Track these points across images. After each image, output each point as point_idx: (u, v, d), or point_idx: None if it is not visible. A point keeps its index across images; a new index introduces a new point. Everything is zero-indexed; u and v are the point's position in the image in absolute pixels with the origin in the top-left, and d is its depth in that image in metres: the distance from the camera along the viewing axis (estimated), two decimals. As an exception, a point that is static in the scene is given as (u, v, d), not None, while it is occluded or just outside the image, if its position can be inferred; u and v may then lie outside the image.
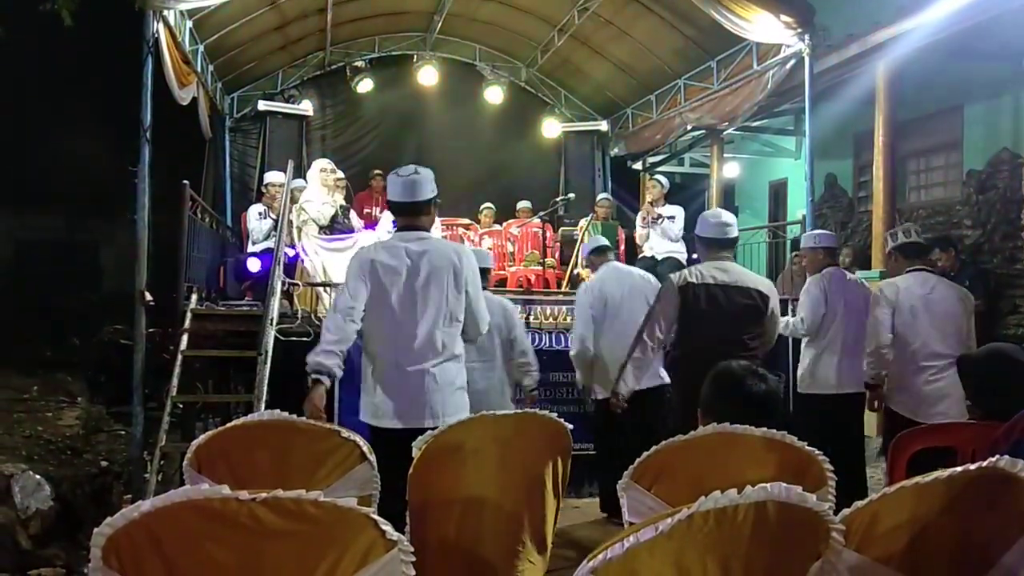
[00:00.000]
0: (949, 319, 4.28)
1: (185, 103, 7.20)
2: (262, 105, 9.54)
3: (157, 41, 5.90)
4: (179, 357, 5.39)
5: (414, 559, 1.54)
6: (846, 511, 1.57)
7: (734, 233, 3.90)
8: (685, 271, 3.93)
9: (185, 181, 5.88)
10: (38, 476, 4.77)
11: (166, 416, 5.21)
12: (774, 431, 2.16)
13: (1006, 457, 1.62)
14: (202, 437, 2.28)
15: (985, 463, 1.61)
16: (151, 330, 6.26)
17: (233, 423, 2.32)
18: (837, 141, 9.49)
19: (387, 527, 1.49)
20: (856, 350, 4.57)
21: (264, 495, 1.40)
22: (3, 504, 4.53)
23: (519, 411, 2.59)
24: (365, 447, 2.38)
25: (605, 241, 5.55)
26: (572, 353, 4.98)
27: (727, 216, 3.94)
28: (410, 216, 3.34)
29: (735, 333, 3.69)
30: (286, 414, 2.36)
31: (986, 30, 6.19)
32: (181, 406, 5.95)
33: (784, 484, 1.39)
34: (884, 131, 7.07)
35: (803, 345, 5.01)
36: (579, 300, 5.01)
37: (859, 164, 9.59)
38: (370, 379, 3.24)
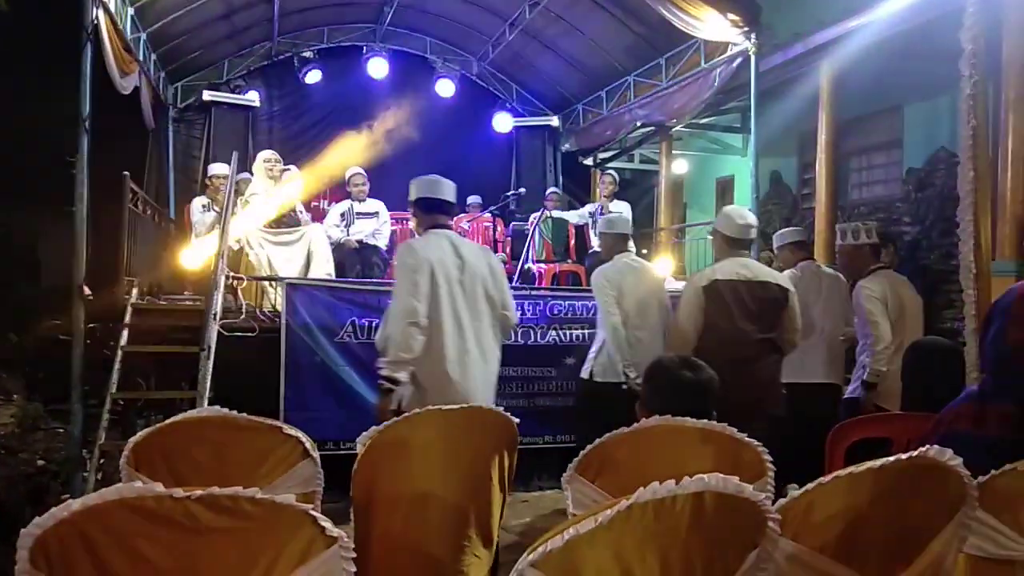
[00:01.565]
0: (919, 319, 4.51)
1: (127, 92, 7.02)
2: (207, 95, 9.36)
3: (96, 27, 5.73)
4: (119, 353, 5.26)
5: (355, 555, 1.52)
6: (782, 500, 1.60)
7: (755, 234, 4.04)
8: (708, 269, 4.01)
9: (125, 172, 5.73)
10: (-30, 477, 4.61)
11: (105, 413, 5.09)
12: (712, 422, 2.20)
13: (935, 447, 1.66)
14: (139, 434, 2.22)
15: (915, 452, 1.66)
16: (91, 325, 6.08)
17: (172, 420, 2.26)
18: (782, 139, 9.67)
19: (326, 523, 1.48)
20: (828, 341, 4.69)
21: (199, 492, 1.37)
22: (-67, 505, 4.38)
23: (466, 406, 2.58)
24: (308, 443, 2.35)
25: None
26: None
27: (751, 217, 4.04)
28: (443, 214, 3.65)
29: (760, 329, 3.80)
30: (226, 410, 2.31)
31: (926, 32, 6.35)
32: (122, 403, 5.79)
33: (721, 475, 1.41)
34: (827, 129, 7.23)
35: None
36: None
37: (803, 161, 9.79)
38: None
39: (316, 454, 2.34)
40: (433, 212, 3.59)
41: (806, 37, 7.03)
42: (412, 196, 3.66)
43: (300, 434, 2.34)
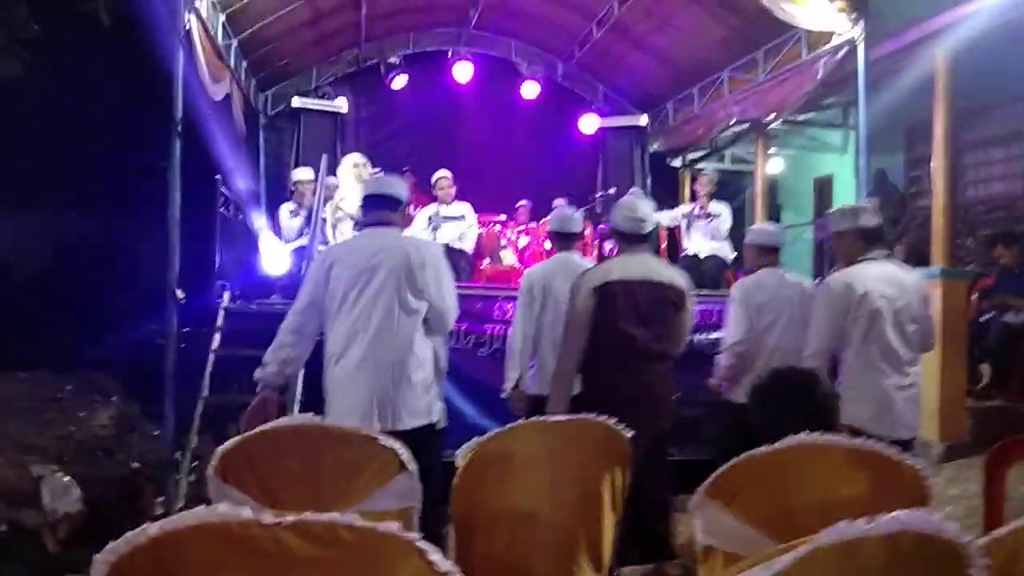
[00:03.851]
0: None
1: (218, 99, 7.08)
2: (296, 101, 9.41)
3: (189, 33, 5.77)
4: (211, 356, 5.24)
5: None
6: (983, 539, 1.31)
7: (649, 227, 3.67)
8: (601, 267, 3.69)
9: (217, 176, 5.73)
10: (67, 478, 4.64)
11: (197, 417, 5.07)
12: (863, 441, 1.91)
13: None
14: (228, 443, 2.07)
15: None
16: (185, 329, 6.13)
17: (261, 428, 2.11)
18: (888, 134, 9.08)
19: (436, 556, 1.26)
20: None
21: (291, 519, 1.18)
22: (32, 507, 4.41)
23: (573, 417, 2.35)
24: (405, 455, 2.16)
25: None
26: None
27: (644, 209, 3.67)
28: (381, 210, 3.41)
29: (648, 331, 3.48)
30: (318, 419, 2.15)
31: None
32: (214, 407, 5.80)
33: (920, 512, 1.13)
34: (944, 121, 6.70)
35: None
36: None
37: (911, 158, 9.20)
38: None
39: (414, 467, 2.15)
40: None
41: (920, 22, 6.53)
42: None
43: (397, 445, 2.15)
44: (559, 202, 9.24)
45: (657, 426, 3.39)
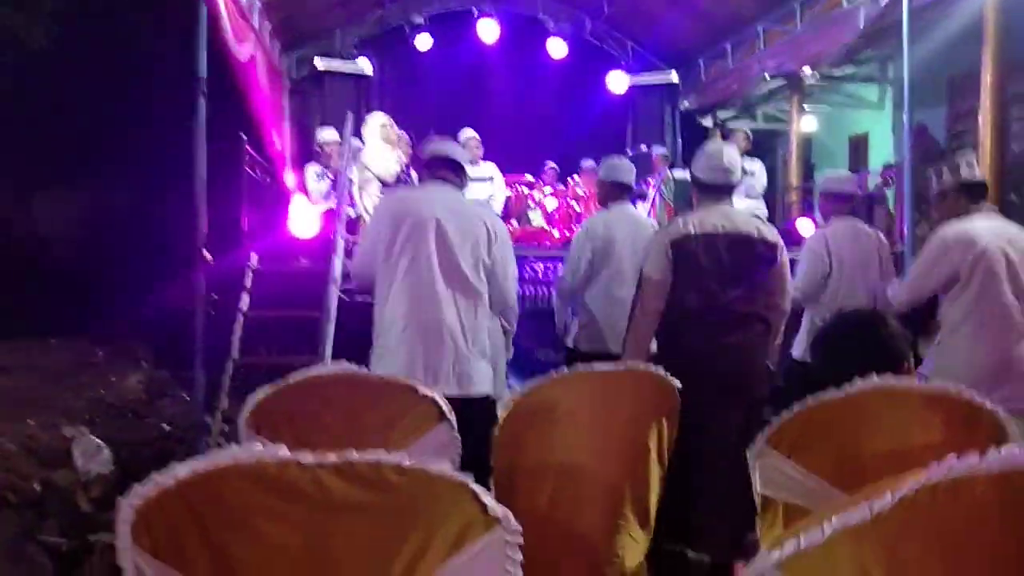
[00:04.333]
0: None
1: (243, 59, 6.97)
2: (320, 63, 9.28)
3: (211, -11, 5.64)
4: (240, 317, 5.19)
5: (521, 541, 1.21)
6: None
7: (738, 178, 3.29)
8: (678, 221, 3.30)
9: (241, 134, 5.64)
10: (98, 440, 4.63)
11: (227, 379, 5.03)
12: (936, 383, 1.78)
13: None
14: (259, 394, 1.99)
15: None
16: (212, 296, 6.09)
17: (296, 378, 2.02)
18: (928, 87, 8.75)
19: (488, 499, 1.17)
20: None
21: (332, 458, 1.08)
22: (64, 467, 4.41)
23: (619, 366, 2.24)
24: (445, 405, 2.07)
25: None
26: None
27: (731, 157, 3.25)
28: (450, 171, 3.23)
29: (743, 290, 3.10)
30: (355, 367, 2.06)
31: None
32: (243, 369, 5.77)
33: (1033, 448, 1.00)
34: (992, 71, 6.42)
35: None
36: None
37: (954, 112, 8.87)
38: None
39: (453, 418, 2.05)
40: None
41: (969, -35, 6.23)
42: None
43: (436, 394, 2.06)
44: (588, 163, 9.07)
45: (751, 396, 3.05)
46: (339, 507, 1.10)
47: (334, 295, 5.04)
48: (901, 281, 3.43)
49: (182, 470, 1.08)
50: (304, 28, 9.36)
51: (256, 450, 1.08)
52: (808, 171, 11.56)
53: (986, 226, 3.17)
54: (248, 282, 5.44)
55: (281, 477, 1.08)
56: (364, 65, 9.51)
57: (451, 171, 3.19)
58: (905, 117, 6.59)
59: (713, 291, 3.05)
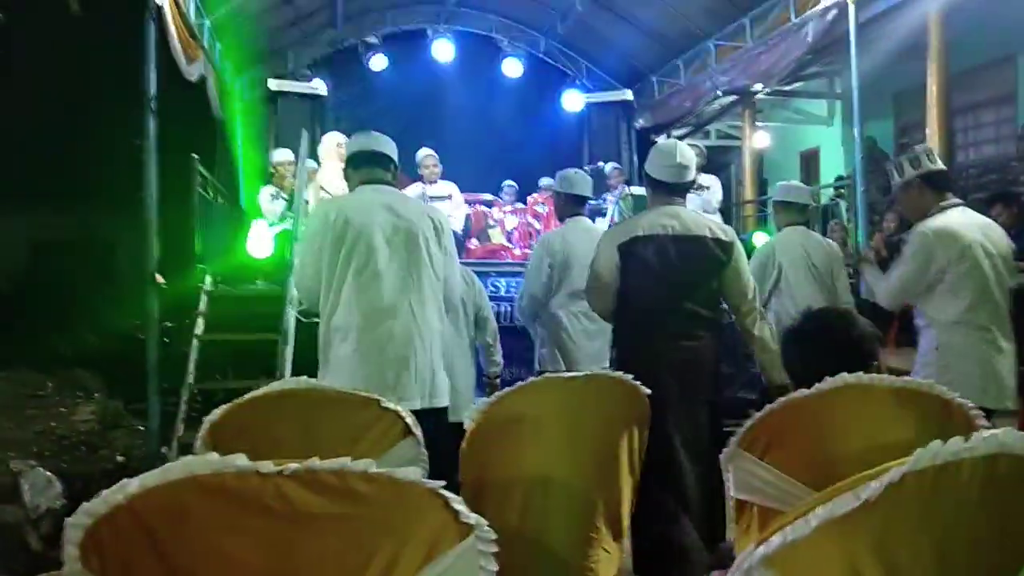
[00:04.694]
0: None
1: (193, 79, 6.86)
2: (273, 84, 9.18)
3: (160, 9, 5.54)
4: (195, 342, 5.05)
5: (496, 549, 1.16)
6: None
7: (691, 176, 3.14)
8: (627, 223, 3.28)
9: (193, 155, 5.52)
10: (48, 473, 4.44)
11: (183, 405, 4.88)
12: (907, 379, 1.77)
13: None
14: (217, 412, 1.91)
15: None
16: (167, 324, 5.94)
17: (253, 394, 1.94)
18: (876, 101, 8.99)
19: (460, 506, 1.12)
20: None
21: (295, 466, 1.02)
22: (11, 503, 4.21)
23: (589, 373, 2.20)
24: (410, 419, 2.01)
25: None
26: None
27: (687, 154, 3.12)
28: (379, 167, 2.96)
29: (694, 293, 3.00)
30: (314, 381, 1.99)
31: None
32: (200, 397, 5.61)
33: (1018, 432, 0.99)
34: (937, 82, 6.60)
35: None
36: None
37: (901, 124, 9.11)
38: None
39: (419, 432, 1.99)
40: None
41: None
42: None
43: (400, 408, 1.99)
44: (546, 181, 9.09)
45: (703, 402, 2.95)
46: (303, 519, 1.03)
47: (292, 317, 4.93)
48: (884, 282, 3.34)
49: (133, 485, 1.01)
50: (256, 49, 9.26)
51: (213, 460, 1.01)
52: (762, 186, 11.76)
53: (963, 221, 3.12)
54: (203, 306, 5.30)
55: (240, 488, 1.01)
56: (318, 85, 9.42)
57: (379, 167, 2.93)
58: (856, 131, 6.72)
59: (662, 294, 2.97)
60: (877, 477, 0.92)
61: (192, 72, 6.72)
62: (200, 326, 5.19)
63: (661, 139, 11.39)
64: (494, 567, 1.17)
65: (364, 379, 2.65)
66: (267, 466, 1.01)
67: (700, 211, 7.26)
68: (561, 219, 4.33)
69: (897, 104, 9.06)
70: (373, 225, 2.79)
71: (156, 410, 5.15)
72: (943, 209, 3.13)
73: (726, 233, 3.07)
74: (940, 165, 3.22)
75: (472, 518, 1.13)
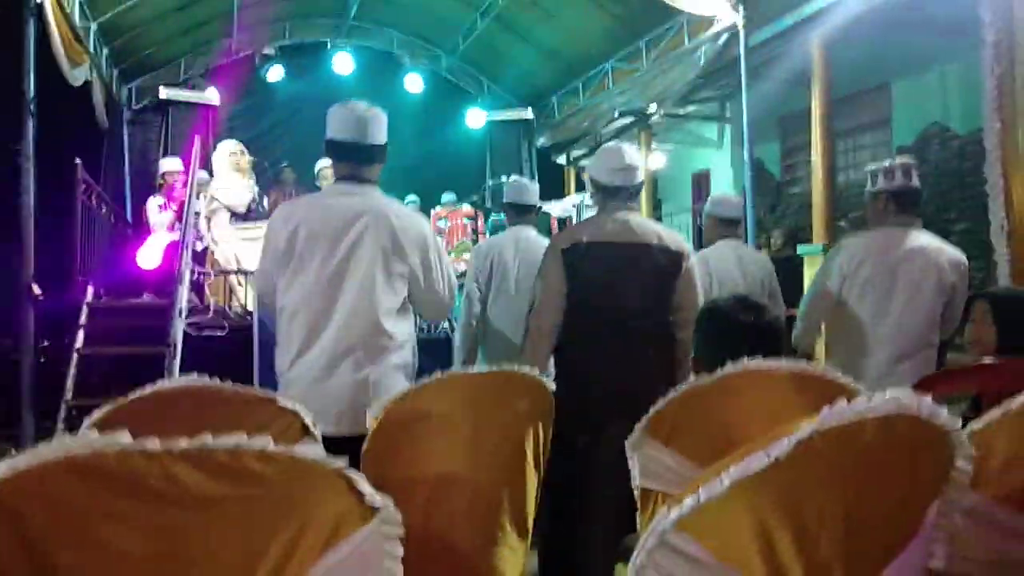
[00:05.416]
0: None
1: (78, 83, 6.53)
2: (164, 92, 8.83)
3: (41, 6, 5.25)
4: (75, 356, 4.75)
5: (402, 531, 1.12)
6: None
7: (639, 178, 2.94)
8: (572, 228, 3.14)
9: (77, 161, 5.23)
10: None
11: (60, 423, 4.57)
12: (804, 364, 1.82)
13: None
14: (99, 412, 1.79)
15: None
16: (44, 344, 5.57)
17: (140, 392, 1.82)
18: (763, 125, 9.38)
19: (365, 487, 1.07)
20: None
21: (184, 445, 0.95)
22: None
23: (493, 369, 2.17)
24: (308, 419, 1.93)
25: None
26: None
27: (631, 156, 2.94)
28: (356, 163, 2.61)
29: (640, 304, 2.83)
30: (206, 377, 1.88)
31: (914, 1, 6.12)
32: (77, 414, 5.27)
33: (915, 395, 1.02)
34: (821, 106, 6.95)
35: None
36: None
37: (786, 147, 9.56)
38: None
39: (318, 432, 1.92)
40: (346, 160, 2.67)
41: (796, 8, 6.75)
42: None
43: (299, 407, 1.91)
44: (448, 196, 9.08)
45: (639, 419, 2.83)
46: (193, 503, 0.96)
47: (180, 329, 4.71)
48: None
49: (-1, 469, 0.91)
50: (145, 56, 8.90)
51: (92, 439, 0.93)
52: (657, 206, 12.11)
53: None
54: (83, 319, 5.01)
55: (123, 470, 0.93)
56: (211, 95, 9.12)
57: (360, 162, 2.60)
58: (745, 152, 7.00)
59: (606, 305, 2.80)
60: (787, 434, 0.93)
61: (77, 76, 6.40)
62: (80, 340, 4.89)
63: (563, 167, 11.61)
64: (399, 552, 1.12)
65: (318, 399, 2.40)
66: (153, 444, 0.94)
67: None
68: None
69: (782, 127, 9.49)
70: (328, 227, 2.52)
71: (30, 432, 4.80)
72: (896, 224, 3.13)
73: (676, 243, 2.90)
74: (911, 184, 3.16)
75: (377, 500, 1.08)
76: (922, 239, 3.14)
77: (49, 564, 0.92)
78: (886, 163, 3.22)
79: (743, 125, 6.98)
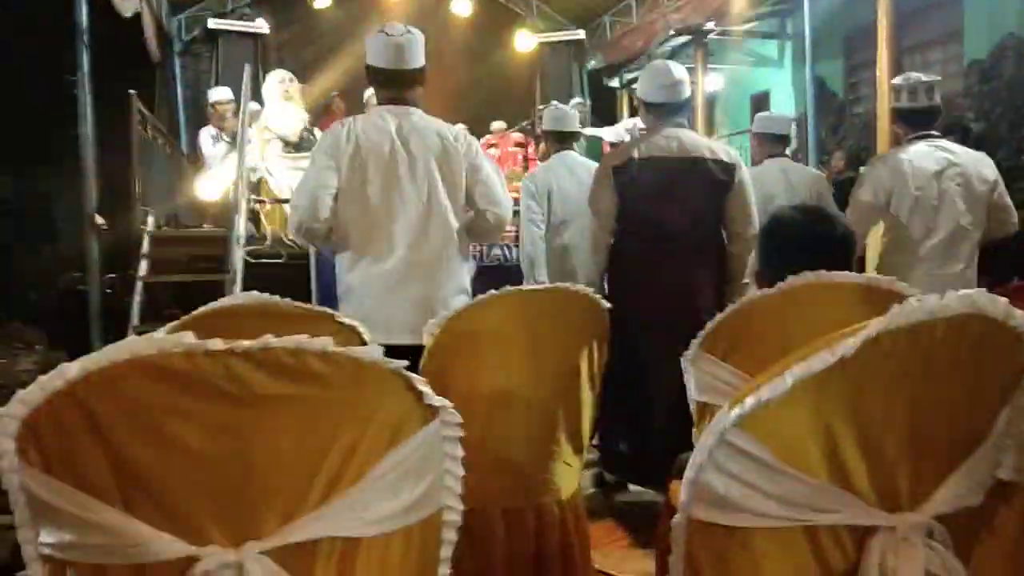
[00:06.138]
0: None
1: (128, 15, 6.55)
2: (212, 23, 8.83)
3: (89, -63, 5.24)
4: (138, 284, 4.89)
5: (462, 434, 1.13)
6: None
7: (687, 93, 3.04)
8: (623, 146, 3.24)
9: (131, 91, 5.29)
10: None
11: (128, 348, 4.73)
12: (871, 275, 1.77)
13: None
14: (164, 329, 1.83)
15: None
16: (109, 276, 5.75)
17: (203, 309, 1.86)
18: (826, 42, 9.02)
19: (425, 388, 1.08)
20: None
21: (247, 344, 0.96)
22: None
23: (549, 286, 2.16)
24: (366, 334, 1.96)
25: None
26: None
27: (677, 71, 3.02)
28: (398, 88, 2.65)
29: (692, 217, 2.92)
30: (267, 295, 1.91)
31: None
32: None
33: (989, 294, 0.98)
34: (888, 20, 6.61)
35: None
36: None
37: (850, 64, 9.16)
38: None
39: (379, 349, 1.94)
40: (387, 86, 2.71)
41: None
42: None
43: (357, 324, 1.94)
44: (497, 124, 8.97)
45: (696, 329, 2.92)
46: (256, 402, 0.98)
47: (239, 256, 4.80)
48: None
49: (72, 369, 0.94)
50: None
51: (158, 339, 0.95)
52: (712, 128, 11.80)
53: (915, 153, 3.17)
54: (146, 248, 5.13)
55: (188, 370, 0.95)
56: (260, 24, 9.09)
57: (389, 86, 2.64)
58: (807, 71, 6.74)
59: (658, 218, 2.87)
60: (854, 335, 0.90)
61: (126, 8, 6.42)
62: (144, 268, 5.03)
63: (616, 90, 11.34)
64: (459, 453, 1.13)
65: (386, 319, 2.47)
66: (216, 343, 0.95)
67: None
68: (547, 156, 4.31)
69: (846, 44, 9.09)
70: (385, 145, 2.55)
71: (100, 355, 5.00)
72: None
73: (728, 155, 2.96)
74: (918, 104, 3.22)
75: (437, 401, 1.09)
76: (956, 151, 3.23)
77: (122, 458, 0.95)
78: (910, 79, 3.26)
79: (805, 42, 6.73)
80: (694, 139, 2.97)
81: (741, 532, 0.96)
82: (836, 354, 0.88)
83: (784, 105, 11.02)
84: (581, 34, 10.31)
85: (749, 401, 0.90)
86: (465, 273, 2.69)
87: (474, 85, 9.97)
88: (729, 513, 0.95)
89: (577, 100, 8.66)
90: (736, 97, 12.01)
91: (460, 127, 2.87)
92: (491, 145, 8.58)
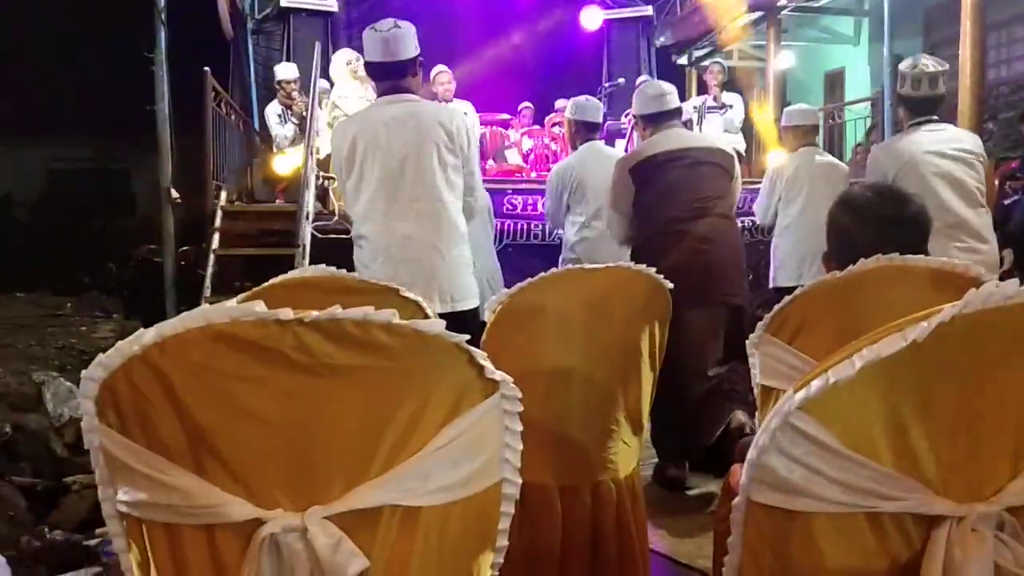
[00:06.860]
0: None
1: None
2: (284, 1, 8.95)
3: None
4: (211, 257, 5.05)
5: (521, 408, 1.14)
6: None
7: (676, 102, 3.47)
8: (633, 150, 3.65)
9: (206, 68, 5.42)
10: (69, 384, 4.51)
11: (200, 319, 4.90)
12: (945, 259, 1.70)
13: None
14: (234, 300, 1.88)
15: None
16: (183, 248, 5.94)
17: (271, 282, 1.92)
18: (905, 19, 8.69)
19: (486, 362, 1.09)
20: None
21: (315, 314, 0.99)
22: (35, 411, 4.29)
23: (611, 265, 2.15)
24: (428, 310, 1.98)
25: None
26: None
27: (664, 86, 3.54)
28: (391, 79, 2.83)
29: (700, 203, 3.29)
30: (333, 269, 1.95)
31: None
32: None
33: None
34: (972, -3, 6.30)
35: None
36: None
37: (930, 42, 8.81)
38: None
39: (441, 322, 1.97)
40: (384, 78, 2.91)
41: None
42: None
43: (419, 299, 1.97)
44: (562, 103, 8.90)
45: (729, 304, 3.26)
46: (324, 371, 1.00)
47: (307, 231, 4.91)
48: None
49: (148, 335, 0.97)
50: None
51: (231, 308, 0.98)
52: (784, 107, 11.48)
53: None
54: (218, 222, 5.29)
55: (258, 337, 0.98)
56: (330, 2, 9.19)
57: (395, 77, 2.81)
58: (885, 49, 6.51)
59: (684, 200, 3.22)
60: (926, 319, 0.87)
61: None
62: (216, 241, 5.18)
63: (685, 67, 11.14)
64: (519, 427, 1.15)
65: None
66: (287, 313, 0.98)
67: (723, 130, 7.18)
68: (574, 146, 4.45)
69: (927, 20, 8.74)
70: (378, 133, 2.78)
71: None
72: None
73: (725, 146, 3.46)
74: (916, 91, 3.34)
75: (498, 375, 1.10)
76: (959, 135, 3.44)
77: (194, 422, 0.99)
78: (915, 68, 3.36)
79: (883, 18, 6.48)
80: (693, 136, 3.58)
81: (802, 516, 0.95)
82: (908, 338, 0.86)
83: (860, 83, 10.67)
84: (649, 10, 10.13)
85: (816, 384, 0.88)
86: (467, 251, 2.94)
87: (539, 63, 9.91)
88: (791, 497, 0.94)
89: (643, 78, 8.51)
90: (809, 75, 11.68)
91: (461, 111, 3.05)
92: (555, 124, 8.54)
